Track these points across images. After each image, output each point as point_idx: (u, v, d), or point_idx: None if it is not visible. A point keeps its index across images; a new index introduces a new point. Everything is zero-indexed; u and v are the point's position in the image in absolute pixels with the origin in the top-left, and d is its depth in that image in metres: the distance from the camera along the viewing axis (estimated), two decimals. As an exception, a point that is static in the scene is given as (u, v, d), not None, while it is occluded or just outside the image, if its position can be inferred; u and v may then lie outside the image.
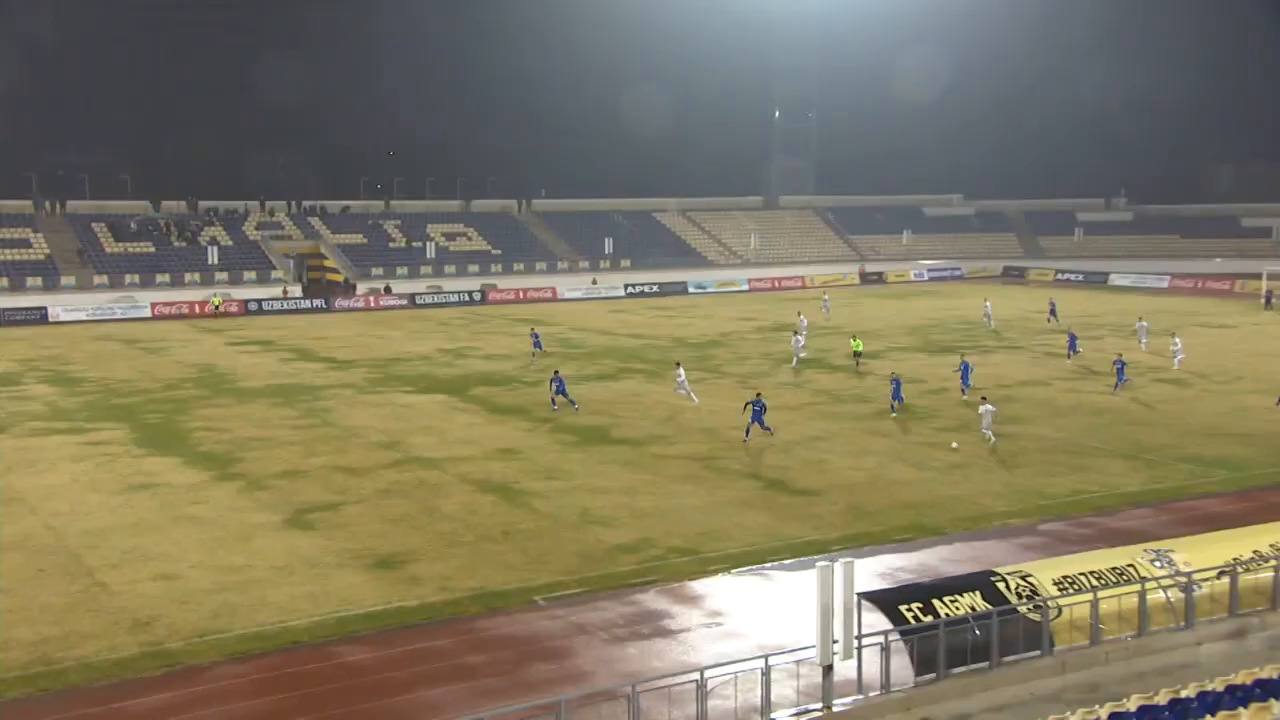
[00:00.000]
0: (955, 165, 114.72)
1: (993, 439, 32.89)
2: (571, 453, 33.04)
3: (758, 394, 35.33)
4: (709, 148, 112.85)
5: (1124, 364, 42.32)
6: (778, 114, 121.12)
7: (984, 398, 34.61)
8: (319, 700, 17.02)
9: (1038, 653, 17.30)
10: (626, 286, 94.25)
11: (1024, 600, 17.59)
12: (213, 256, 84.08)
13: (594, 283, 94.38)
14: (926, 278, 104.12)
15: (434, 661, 18.41)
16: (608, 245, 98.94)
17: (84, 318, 74.77)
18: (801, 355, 51.02)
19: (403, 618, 20.17)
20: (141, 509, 27.14)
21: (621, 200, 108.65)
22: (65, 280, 78.69)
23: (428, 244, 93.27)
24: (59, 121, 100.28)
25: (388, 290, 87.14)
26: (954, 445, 32.56)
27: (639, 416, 38.33)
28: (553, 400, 39.45)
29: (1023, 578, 18.02)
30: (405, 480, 29.77)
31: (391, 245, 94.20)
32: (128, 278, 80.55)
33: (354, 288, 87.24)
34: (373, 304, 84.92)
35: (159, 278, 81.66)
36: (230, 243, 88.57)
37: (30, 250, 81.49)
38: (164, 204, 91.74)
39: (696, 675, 15.61)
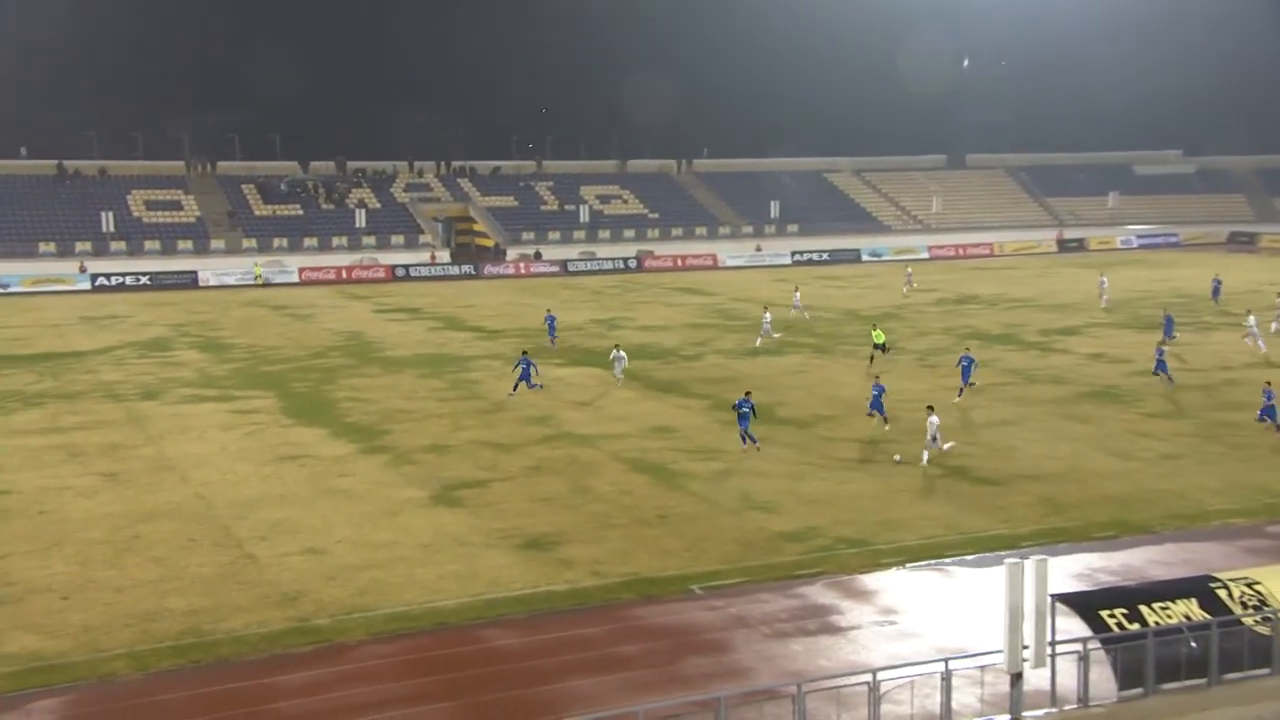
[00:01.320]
0: (1172, 117, 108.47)
1: (941, 447, 29.12)
2: (731, 432, 33.00)
3: (747, 393, 31.61)
4: (887, 101, 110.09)
5: None
6: (966, 62, 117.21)
7: (930, 407, 30.15)
8: (467, 685, 17.60)
9: (1266, 671, 16.40)
10: (793, 254, 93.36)
11: (1250, 611, 16.69)
12: (360, 219, 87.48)
13: (758, 249, 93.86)
14: (1136, 245, 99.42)
15: (585, 650, 18.77)
16: (773, 209, 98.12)
17: (233, 282, 79.07)
18: (772, 335, 49.10)
19: (553, 602, 20.63)
20: (289, 480, 28.57)
21: (789, 160, 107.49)
22: (215, 244, 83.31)
23: (581, 207, 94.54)
24: (210, 80, 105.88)
25: (538, 256, 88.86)
26: (896, 458, 29.40)
27: (805, 395, 37.98)
28: (514, 386, 37.97)
29: (1249, 585, 17.09)
30: (556, 458, 30.36)
31: (543, 208, 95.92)
32: (276, 241, 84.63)
33: (504, 253, 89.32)
34: (523, 270, 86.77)
35: (306, 241, 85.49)
36: (378, 205, 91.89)
37: (181, 213, 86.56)
38: (312, 165, 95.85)
39: (868, 677, 15.43)
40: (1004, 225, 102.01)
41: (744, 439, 30.88)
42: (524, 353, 39.58)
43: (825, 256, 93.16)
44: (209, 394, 39.81)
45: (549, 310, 52.95)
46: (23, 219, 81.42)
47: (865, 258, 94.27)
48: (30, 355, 48.61)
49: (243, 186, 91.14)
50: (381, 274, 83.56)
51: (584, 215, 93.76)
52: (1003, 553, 21.91)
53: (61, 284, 75.55)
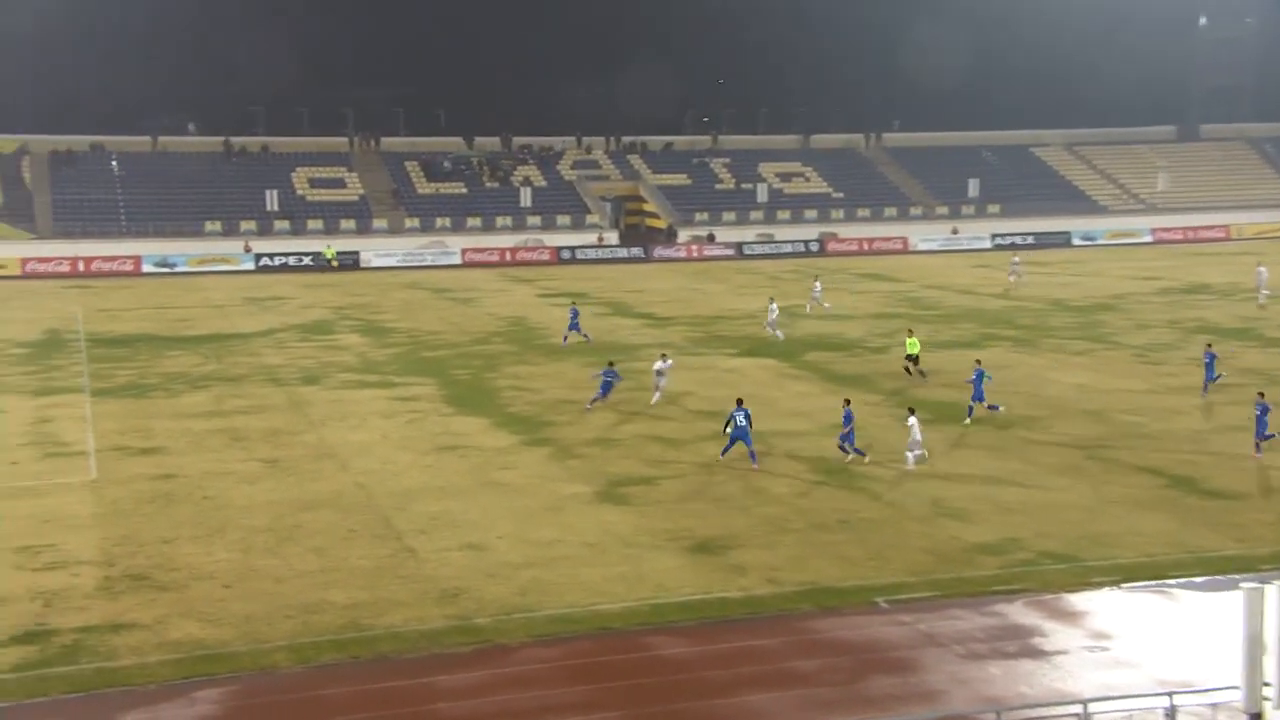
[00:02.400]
0: None
1: (910, 460, 28.70)
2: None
3: (739, 400, 30.18)
4: (1106, 65, 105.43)
5: None
6: (1203, 20, 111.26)
7: (911, 409, 30.32)
8: (634, 695, 17.80)
9: None
10: (994, 237, 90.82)
11: None
12: (525, 198, 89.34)
13: (954, 232, 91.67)
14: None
15: (759, 663, 18.73)
16: (972, 187, 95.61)
17: (394, 263, 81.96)
18: (777, 333, 48.02)
19: (724, 610, 20.65)
20: (450, 471, 29.45)
21: (992, 133, 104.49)
22: (377, 223, 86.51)
23: (759, 185, 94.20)
24: (374, 53, 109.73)
25: (711, 238, 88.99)
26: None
27: (1007, 393, 36.94)
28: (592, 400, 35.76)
29: None
30: (728, 455, 30.35)
31: (718, 187, 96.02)
32: (439, 220, 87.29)
33: (675, 235, 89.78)
34: (695, 254, 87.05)
35: (470, 221, 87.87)
36: (544, 183, 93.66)
37: (345, 190, 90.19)
38: (477, 140, 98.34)
39: (1078, 708, 14.95)
40: (1242, 205, 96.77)
41: (723, 452, 29.57)
42: (610, 363, 37.59)
43: (1030, 240, 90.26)
44: (370, 380, 41.36)
45: (573, 303, 50.93)
46: (190, 197, 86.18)
47: (1076, 241, 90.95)
48: (196, 337, 51.50)
49: (406, 163, 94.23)
50: (546, 256, 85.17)
51: (762, 194, 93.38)
52: (1238, 576, 20.82)
53: (226, 264, 79.77)
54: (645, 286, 69.27)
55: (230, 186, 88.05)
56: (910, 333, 41.53)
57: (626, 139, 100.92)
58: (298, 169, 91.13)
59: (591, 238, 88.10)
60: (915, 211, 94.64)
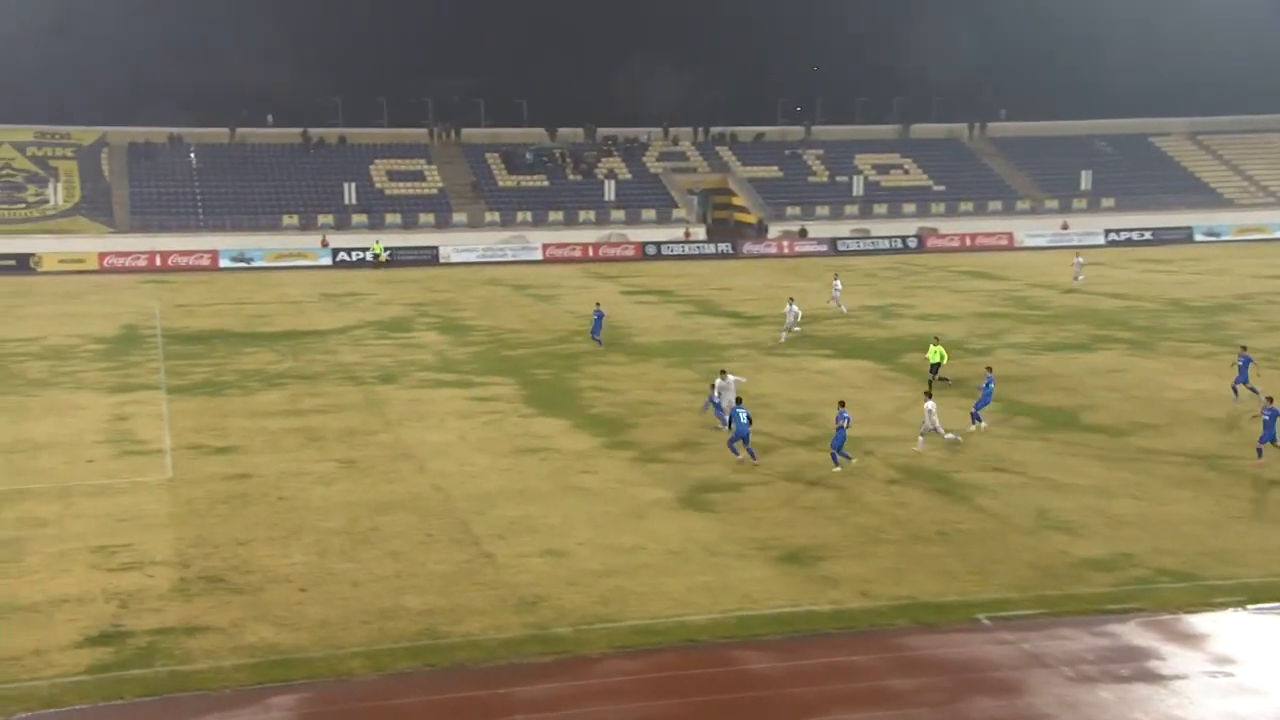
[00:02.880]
0: None
1: (920, 443, 30.78)
2: (1027, 440, 31.85)
3: (739, 400, 31.08)
4: (1233, 48, 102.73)
5: None
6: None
7: (928, 393, 32.29)
8: (720, 711, 17.76)
9: None
10: (1107, 233, 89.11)
11: None
12: (609, 191, 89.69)
13: (1064, 227, 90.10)
14: None
15: (851, 680, 18.57)
16: (1084, 180, 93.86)
17: (474, 259, 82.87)
18: (794, 330, 48.52)
19: (814, 624, 20.52)
20: (529, 475, 29.66)
21: (1106, 121, 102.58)
22: (457, 217, 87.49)
23: (854, 178, 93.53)
24: (455, 42, 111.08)
25: (804, 234, 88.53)
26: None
27: (1119, 398, 36.18)
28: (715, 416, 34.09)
29: None
30: (818, 461, 30.19)
31: (811, 179, 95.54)
32: (519, 215, 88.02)
33: (765, 230, 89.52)
34: (786, 250, 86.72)
35: (551, 215, 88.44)
36: (629, 176, 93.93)
37: (423, 184, 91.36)
38: (560, 131, 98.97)
39: (1195, 740, 14.52)
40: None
41: (750, 454, 30.09)
42: (723, 371, 36.08)
43: (1148, 236, 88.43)
44: (448, 379, 41.81)
45: (598, 305, 50.38)
46: (267, 190, 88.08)
47: (1199, 237, 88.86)
48: (272, 333, 52.53)
49: (486, 155, 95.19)
50: (631, 251, 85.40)
51: (858, 187, 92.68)
52: (1374, 600, 20.17)
53: (303, 258, 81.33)
54: (733, 284, 69.10)
55: (308, 179, 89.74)
56: (936, 340, 40.37)
57: (715, 129, 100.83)
58: (376, 161, 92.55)
59: (678, 233, 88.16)
60: (1022, 205, 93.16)
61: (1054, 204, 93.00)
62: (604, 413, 36.27)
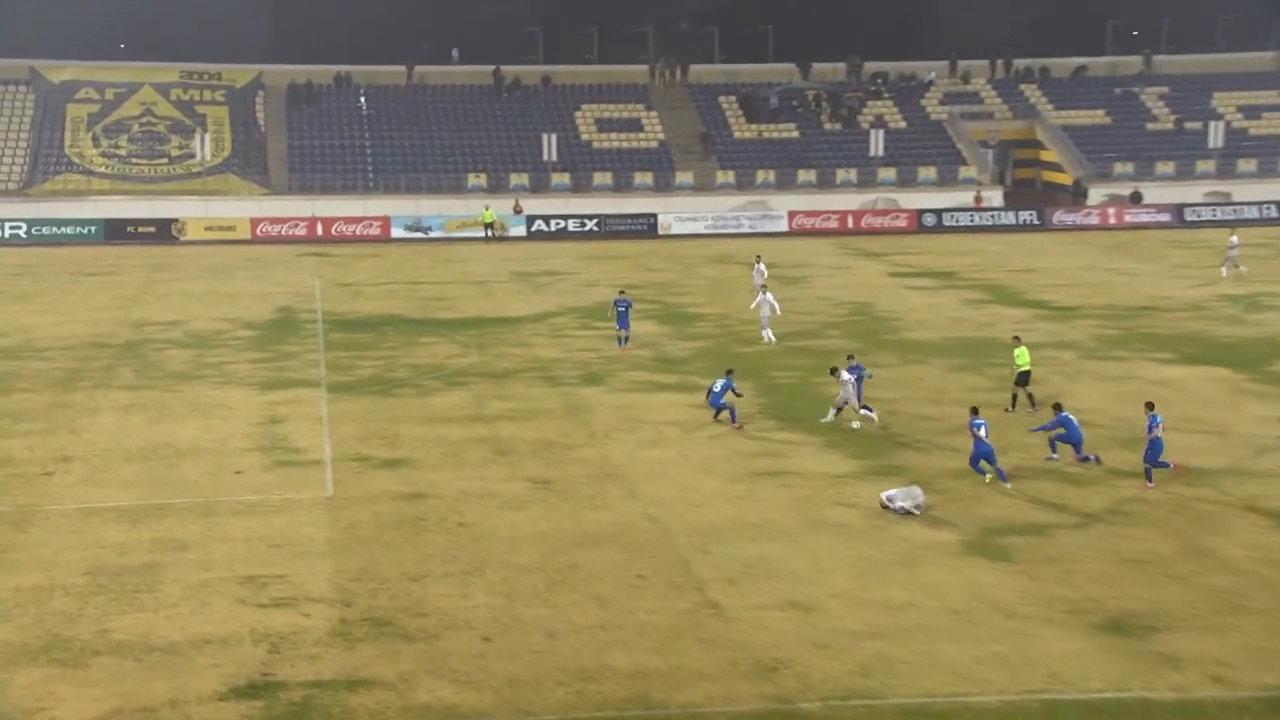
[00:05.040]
0: None
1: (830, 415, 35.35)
2: None
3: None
4: None
5: None
6: None
7: (850, 356, 36.23)
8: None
9: None
10: None
11: None
12: (876, 144, 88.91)
13: None
14: None
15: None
16: None
17: (701, 230, 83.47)
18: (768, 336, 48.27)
19: (1148, 716, 19.92)
20: (767, 505, 29.68)
21: None
22: (681, 177, 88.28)
23: (1211, 124, 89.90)
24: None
25: (1136, 198, 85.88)
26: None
27: None
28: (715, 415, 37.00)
29: None
30: (1152, 498, 29.29)
31: (1150, 126, 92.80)
32: (760, 174, 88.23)
33: (1084, 193, 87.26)
34: (1111, 220, 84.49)
35: (801, 175, 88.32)
36: (902, 124, 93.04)
37: (640, 135, 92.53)
38: (814, 68, 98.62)
39: None
40: None
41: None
42: (728, 372, 38.12)
43: None
44: (666, 381, 42.21)
45: (621, 291, 49.48)
46: (451, 142, 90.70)
47: None
48: (453, 320, 54.10)
49: (720, 99, 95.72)
50: (903, 222, 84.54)
51: (1215, 136, 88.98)
52: None
53: (492, 228, 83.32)
54: (1039, 265, 67.54)
55: (500, 129, 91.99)
56: (1017, 340, 38.90)
57: (1019, 63, 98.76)
58: (582, 107, 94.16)
59: (966, 197, 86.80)
60: None
61: None
62: (865, 428, 35.96)
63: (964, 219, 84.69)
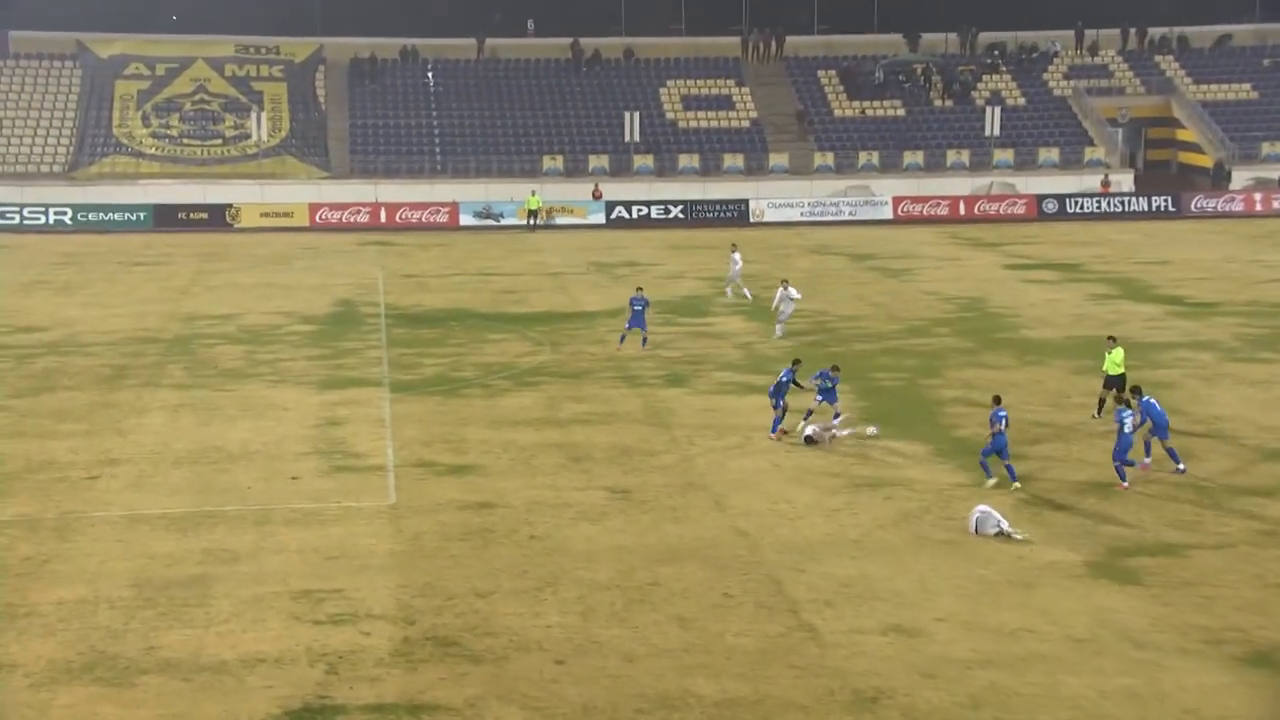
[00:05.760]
0: None
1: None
2: None
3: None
4: None
5: None
6: None
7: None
8: None
9: None
10: None
11: None
12: (992, 123, 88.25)
13: None
14: None
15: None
16: None
17: (797, 217, 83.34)
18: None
19: (1294, 759, 19.63)
20: (868, 519, 29.53)
21: None
22: (775, 159, 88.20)
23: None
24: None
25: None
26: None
27: None
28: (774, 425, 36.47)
29: None
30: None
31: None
32: (862, 156, 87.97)
33: (1227, 176, 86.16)
34: (1258, 206, 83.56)
35: (908, 157, 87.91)
36: (1021, 100, 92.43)
37: (731, 114, 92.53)
38: (924, 39, 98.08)
39: None
40: None
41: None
42: (794, 363, 37.60)
43: None
44: (758, 383, 42.01)
45: (639, 289, 48.29)
46: (525, 121, 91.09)
47: None
48: (525, 315, 54.34)
49: (819, 74, 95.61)
50: (1021, 208, 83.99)
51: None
52: None
53: (570, 214, 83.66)
54: (1174, 256, 66.87)
55: (578, 107, 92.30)
56: (1112, 342, 37.99)
57: (1154, 31, 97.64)
58: (668, 82, 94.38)
59: (1092, 181, 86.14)
60: None
61: None
62: (975, 437, 35.68)
63: (1089, 205, 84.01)
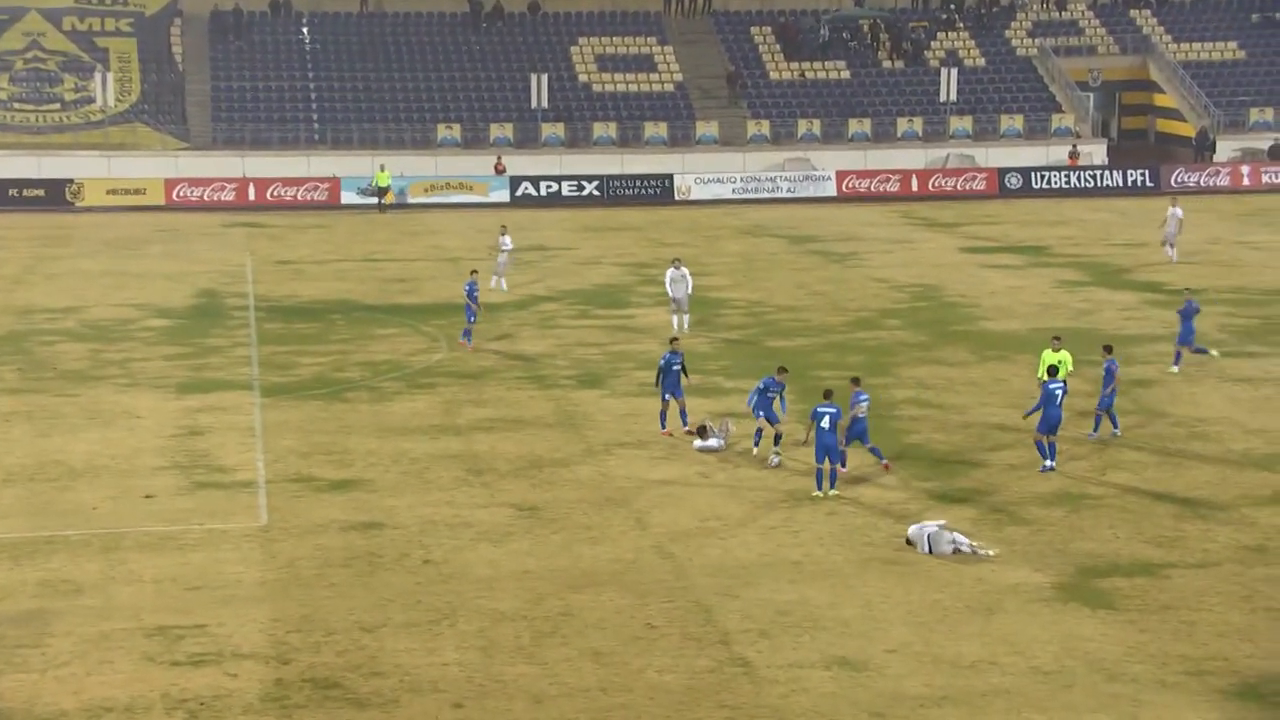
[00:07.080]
0: None
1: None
2: None
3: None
4: None
5: None
6: None
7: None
8: None
9: None
10: None
11: None
12: (948, 87, 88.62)
13: None
14: None
15: None
16: None
17: (728, 194, 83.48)
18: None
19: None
20: (809, 537, 29.64)
21: None
22: (703, 129, 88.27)
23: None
24: None
25: (1276, 153, 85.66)
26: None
27: None
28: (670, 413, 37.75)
29: None
30: (1293, 531, 29.32)
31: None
32: (802, 124, 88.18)
33: (1210, 147, 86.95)
34: (1245, 181, 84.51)
35: (853, 126, 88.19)
36: (980, 61, 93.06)
37: (653, 76, 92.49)
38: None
39: None
40: None
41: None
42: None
43: None
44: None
45: (473, 273, 49.28)
46: (417, 84, 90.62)
47: None
48: (418, 307, 54.20)
49: (752, 30, 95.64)
50: (980, 184, 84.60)
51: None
52: None
53: (467, 191, 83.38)
54: (1150, 238, 67.37)
55: (477, 69, 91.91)
56: (1057, 340, 38.13)
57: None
58: (580, 40, 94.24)
59: (1060, 153, 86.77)
60: None
61: None
62: (929, 443, 35.99)
63: (1057, 180, 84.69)
